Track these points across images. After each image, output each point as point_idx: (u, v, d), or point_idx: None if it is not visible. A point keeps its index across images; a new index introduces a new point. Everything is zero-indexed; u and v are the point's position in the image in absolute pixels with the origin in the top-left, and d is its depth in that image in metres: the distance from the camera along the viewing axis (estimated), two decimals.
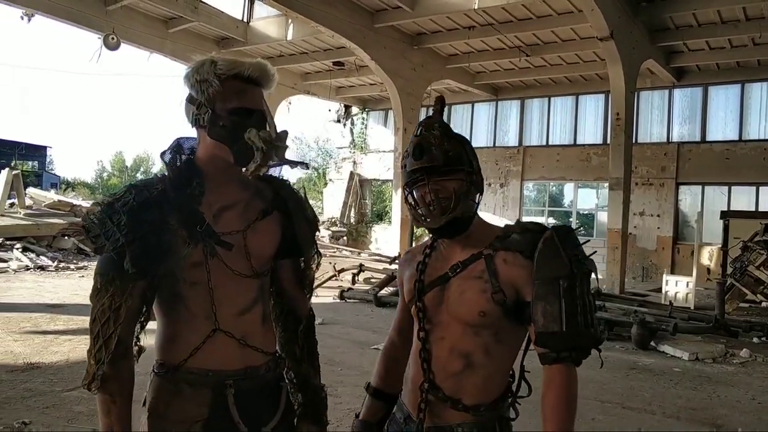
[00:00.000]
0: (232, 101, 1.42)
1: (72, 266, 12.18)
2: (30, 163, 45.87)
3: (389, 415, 1.66)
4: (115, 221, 1.36)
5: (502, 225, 1.55)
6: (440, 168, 1.45)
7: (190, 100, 1.47)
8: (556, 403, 1.34)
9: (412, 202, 1.52)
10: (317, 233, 1.69)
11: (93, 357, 1.36)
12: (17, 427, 3.83)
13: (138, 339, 1.46)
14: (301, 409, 1.64)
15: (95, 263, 1.43)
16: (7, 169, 16.89)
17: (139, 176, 49.09)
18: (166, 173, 1.48)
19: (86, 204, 16.12)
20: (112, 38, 13.17)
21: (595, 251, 1.56)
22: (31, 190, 18.64)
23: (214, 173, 1.48)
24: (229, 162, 1.44)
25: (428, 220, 1.47)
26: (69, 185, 39.18)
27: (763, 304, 10.79)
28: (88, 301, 1.44)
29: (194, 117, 1.45)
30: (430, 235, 1.59)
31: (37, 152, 49.44)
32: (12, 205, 16.72)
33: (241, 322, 1.47)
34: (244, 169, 1.44)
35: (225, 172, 1.49)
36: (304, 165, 1.57)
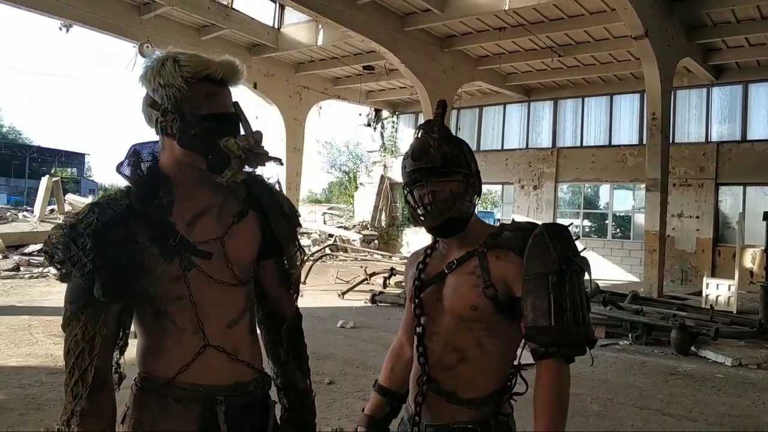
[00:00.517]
0: (203, 107, 1.31)
1: None
2: (69, 170, 47.30)
3: (394, 413, 1.72)
4: (80, 245, 1.24)
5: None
6: (438, 169, 1.51)
7: (152, 104, 1.33)
8: (544, 400, 1.35)
9: (412, 202, 1.57)
10: (298, 228, 1.60)
11: (70, 392, 1.26)
12: (57, 429, 3.91)
13: (118, 366, 1.39)
14: (286, 413, 1.58)
15: None
16: (47, 176, 17.43)
17: None
18: (129, 186, 1.36)
19: None
20: (147, 46, 13.46)
21: (585, 248, 1.55)
22: (70, 197, 19.22)
23: (183, 179, 1.37)
24: (200, 168, 1.34)
25: (425, 219, 1.53)
26: (107, 191, 40.27)
27: None
28: None
29: (160, 124, 1.32)
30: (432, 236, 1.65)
31: (76, 159, 50.95)
32: (52, 211, 17.24)
33: (231, 334, 1.39)
34: (218, 177, 1.33)
35: (195, 177, 1.37)
36: (278, 161, 1.44)
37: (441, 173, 1.50)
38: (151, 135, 1.41)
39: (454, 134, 1.60)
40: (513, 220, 1.60)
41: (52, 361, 5.56)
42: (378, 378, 1.77)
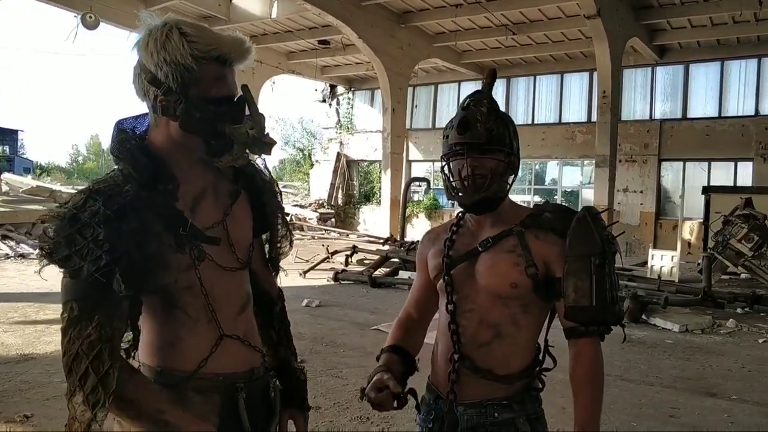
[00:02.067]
0: (210, 89, 1.24)
1: None
2: (0, 147, 44.71)
3: (409, 372, 1.61)
4: (89, 236, 1.13)
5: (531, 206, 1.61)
6: (482, 145, 1.48)
7: (152, 81, 1.23)
8: (587, 377, 1.42)
9: (448, 174, 1.54)
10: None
11: (84, 401, 1.10)
12: (19, 420, 3.68)
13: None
14: (281, 394, 1.52)
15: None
16: None
17: None
18: (123, 169, 1.24)
19: (66, 189, 15.76)
20: (90, 17, 12.82)
21: (624, 232, 1.61)
22: (6, 176, 18.19)
23: (177, 160, 1.29)
24: (195, 149, 1.28)
25: (462, 195, 1.51)
26: (43, 170, 38.37)
27: (743, 275, 11.08)
28: None
29: (160, 104, 1.24)
30: (459, 212, 1.63)
31: (8, 136, 48.06)
32: None
33: (241, 321, 1.37)
34: (216, 161, 1.29)
35: (189, 157, 1.30)
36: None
37: (483, 150, 1.48)
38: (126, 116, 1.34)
39: (502, 110, 1.57)
40: (547, 201, 1.62)
41: (3, 349, 5.23)
42: (383, 346, 1.66)
